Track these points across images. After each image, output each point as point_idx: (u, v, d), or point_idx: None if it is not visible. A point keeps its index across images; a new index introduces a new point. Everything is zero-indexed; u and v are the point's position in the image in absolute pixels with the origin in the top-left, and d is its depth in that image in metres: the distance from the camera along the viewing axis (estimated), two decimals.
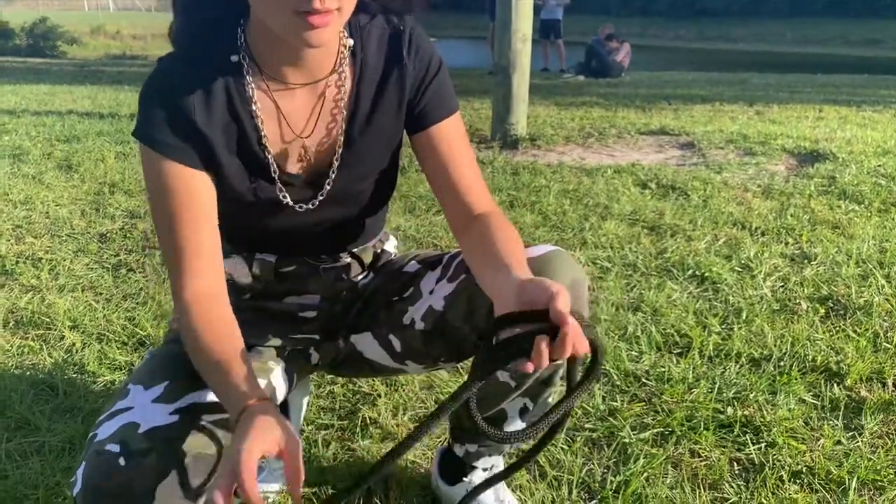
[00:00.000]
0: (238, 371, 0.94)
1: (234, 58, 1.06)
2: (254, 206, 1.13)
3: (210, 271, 1.05)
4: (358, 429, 1.75)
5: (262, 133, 1.09)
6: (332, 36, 0.96)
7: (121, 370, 2.00)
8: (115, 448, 0.90)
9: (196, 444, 0.95)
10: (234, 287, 1.24)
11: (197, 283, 1.04)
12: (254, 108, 1.07)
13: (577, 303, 1.13)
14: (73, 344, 2.13)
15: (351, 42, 1.11)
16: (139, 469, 0.89)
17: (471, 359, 1.24)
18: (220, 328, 1.01)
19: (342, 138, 1.13)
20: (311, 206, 1.15)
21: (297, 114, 1.11)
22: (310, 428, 1.75)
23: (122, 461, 0.89)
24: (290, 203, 1.14)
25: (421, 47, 1.15)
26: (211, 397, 1.01)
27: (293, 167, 1.14)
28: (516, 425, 1.28)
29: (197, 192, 1.06)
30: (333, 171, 1.14)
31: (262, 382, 1.16)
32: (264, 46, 1.05)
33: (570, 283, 1.09)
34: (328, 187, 1.15)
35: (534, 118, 5.98)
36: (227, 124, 1.07)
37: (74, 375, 1.97)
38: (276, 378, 1.22)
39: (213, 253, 1.06)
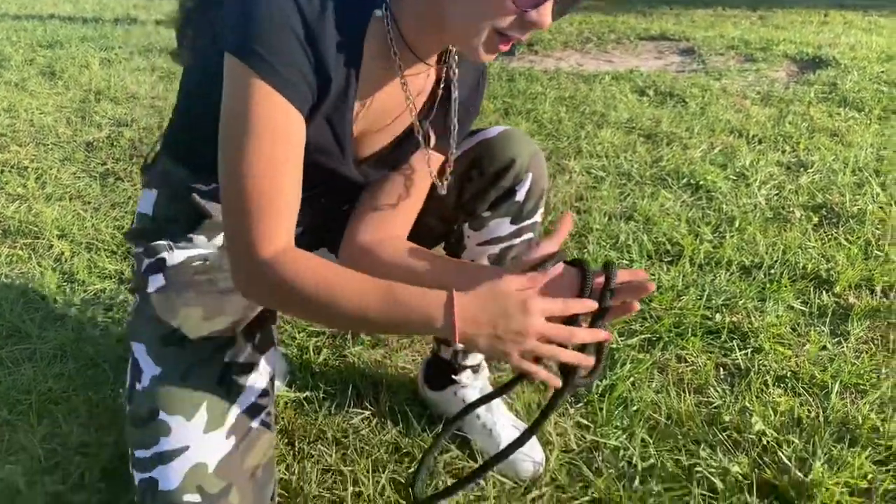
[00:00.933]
0: (399, 286, 0.90)
1: (378, 12, 0.95)
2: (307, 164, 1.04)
3: (291, 231, 0.94)
4: (349, 335, 1.76)
5: (367, 103, 1.02)
6: None
7: (110, 279, 1.99)
8: (195, 498, 0.93)
9: (257, 455, 1.01)
10: (207, 228, 1.14)
11: (285, 237, 0.92)
12: (393, 73, 1.00)
13: (539, 174, 1.25)
14: (62, 253, 2.12)
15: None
16: None
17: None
18: (334, 268, 0.93)
19: (419, 133, 1.10)
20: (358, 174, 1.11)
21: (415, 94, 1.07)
22: (301, 335, 1.76)
23: None
24: (343, 174, 1.08)
25: (485, 87, 1.20)
26: (247, 397, 1.03)
27: (379, 144, 1.11)
28: None
29: (300, 140, 0.93)
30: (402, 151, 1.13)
31: (264, 373, 1.11)
32: (410, 16, 0.96)
33: (531, 157, 1.22)
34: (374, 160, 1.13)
35: None
36: (341, 81, 0.95)
37: (64, 284, 1.97)
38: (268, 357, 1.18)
39: (295, 212, 0.95)
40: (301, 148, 0.93)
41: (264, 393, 1.07)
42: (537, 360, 0.92)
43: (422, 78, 1.07)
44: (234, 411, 1.01)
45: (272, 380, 1.11)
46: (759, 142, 3.12)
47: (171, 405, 0.98)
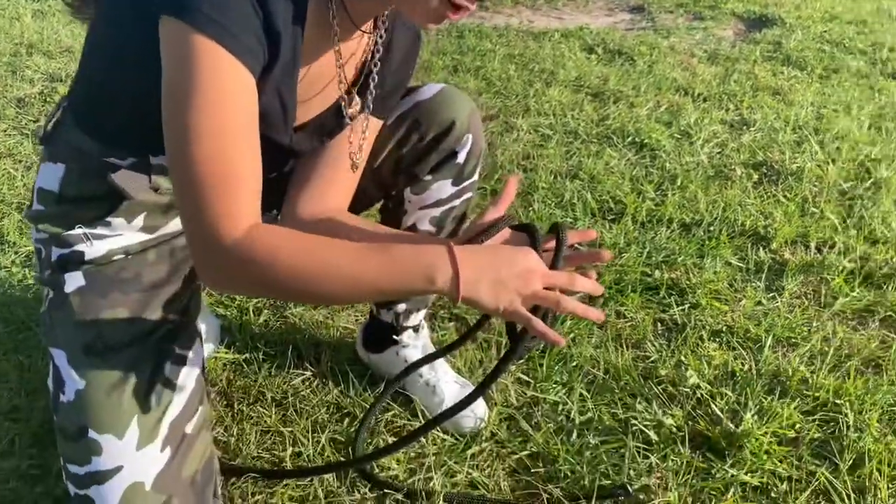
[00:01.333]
0: (393, 245, 0.87)
1: None
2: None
3: (256, 206, 0.84)
4: None
5: (305, 70, 0.97)
6: None
7: None
8: None
9: (195, 460, 0.98)
10: (126, 210, 1.03)
11: (250, 214, 0.83)
12: (331, 39, 0.95)
13: (478, 134, 1.25)
14: None
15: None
16: None
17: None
18: (315, 239, 0.85)
19: (358, 102, 1.08)
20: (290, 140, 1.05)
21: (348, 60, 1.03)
22: (241, 296, 1.74)
23: None
24: (280, 142, 1.02)
25: (418, 52, 1.16)
26: (179, 402, 0.99)
27: (311, 111, 1.06)
28: None
29: (254, 105, 0.84)
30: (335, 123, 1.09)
31: (196, 363, 1.06)
32: None
33: (470, 116, 1.21)
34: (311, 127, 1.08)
35: None
36: (288, 43, 0.88)
37: None
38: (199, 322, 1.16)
39: (258, 185, 0.85)
40: (256, 114, 0.85)
41: (197, 388, 1.03)
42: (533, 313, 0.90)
43: (354, 43, 1.03)
44: (167, 420, 0.97)
45: (203, 370, 1.07)
46: (704, 100, 3.15)
47: (100, 423, 0.93)
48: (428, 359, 1.27)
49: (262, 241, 0.80)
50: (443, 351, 1.26)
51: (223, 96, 0.79)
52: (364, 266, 0.83)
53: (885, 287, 1.84)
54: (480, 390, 0.97)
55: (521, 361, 1.55)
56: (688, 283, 1.82)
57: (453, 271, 0.84)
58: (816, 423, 1.42)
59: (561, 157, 2.53)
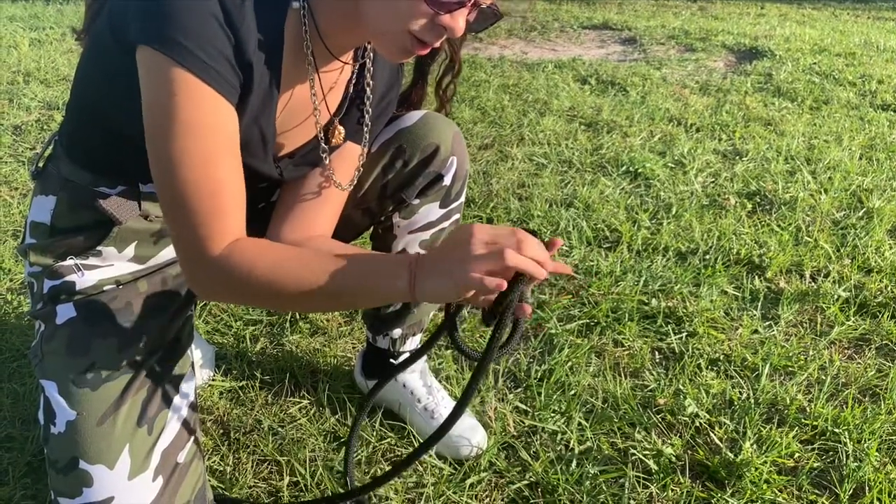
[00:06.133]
0: (360, 255, 0.90)
1: (296, 4, 0.91)
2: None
3: (241, 223, 0.89)
4: (287, 324, 1.73)
5: (285, 99, 0.98)
6: None
7: None
8: None
9: (187, 491, 0.98)
10: (117, 238, 1.04)
11: (236, 232, 0.88)
12: (308, 69, 0.96)
13: (462, 156, 1.27)
14: None
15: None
16: None
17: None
18: (288, 249, 0.92)
19: (341, 131, 1.09)
20: (278, 171, 1.06)
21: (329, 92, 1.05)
22: (238, 324, 1.73)
23: None
24: (265, 172, 1.03)
25: (400, 82, 1.18)
26: (170, 431, 0.99)
27: (296, 141, 1.07)
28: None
29: (234, 129, 0.87)
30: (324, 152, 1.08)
31: (188, 391, 1.06)
32: (327, 10, 0.93)
33: (453, 139, 1.23)
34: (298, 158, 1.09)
35: None
36: (263, 72, 0.90)
37: None
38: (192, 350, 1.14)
39: (242, 203, 0.89)
40: (236, 137, 0.87)
41: (189, 417, 1.03)
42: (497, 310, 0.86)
43: (334, 74, 1.04)
44: (159, 449, 0.97)
45: (195, 398, 1.07)
46: (697, 130, 3.19)
47: (91, 454, 0.92)
48: (406, 363, 1.20)
49: (241, 255, 0.86)
50: (421, 350, 1.17)
51: (203, 123, 0.82)
52: (335, 268, 0.86)
53: (880, 316, 1.85)
54: (461, 407, 0.92)
55: (519, 390, 1.54)
56: (684, 311, 1.82)
57: (409, 274, 0.85)
58: (815, 452, 1.41)
59: (556, 186, 2.54)
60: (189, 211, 0.83)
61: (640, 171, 2.67)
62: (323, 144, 1.06)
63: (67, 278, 1.02)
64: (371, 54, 1.07)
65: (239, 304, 1.02)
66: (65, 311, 1.01)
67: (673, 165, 2.77)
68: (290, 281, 0.86)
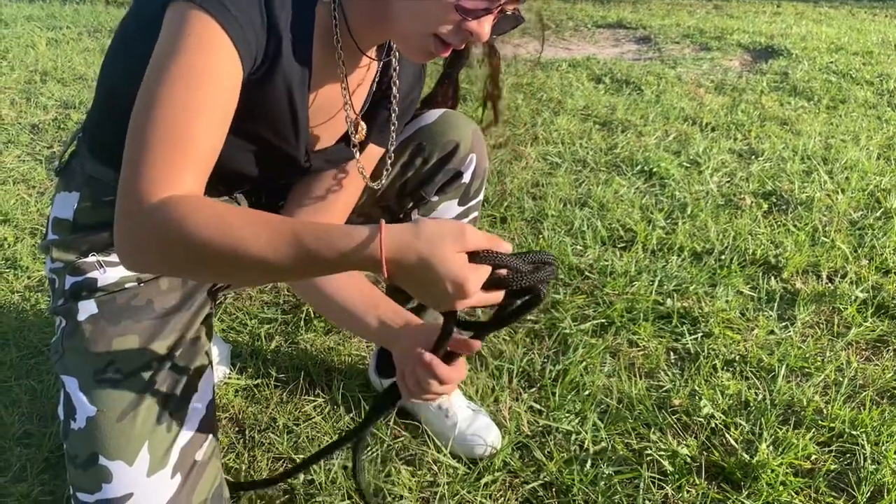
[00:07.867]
0: (316, 226, 0.76)
1: None
2: (259, 151, 1.01)
3: (197, 184, 0.78)
4: (302, 322, 1.74)
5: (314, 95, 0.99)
6: None
7: None
8: None
9: (204, 489, 0.98)
10: None
11: (191, 188, 0.77)
12: (339, 63, 0.96)
13: (482, 154, 1.27)
14: (6, 238, 2.05)
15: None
16: None
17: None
18: (233, 206, 0.81)
19: (363, 128, 1.09)
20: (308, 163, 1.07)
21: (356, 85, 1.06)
22: (253, 322, 1.74)
23: None
24: (293, 156, 1.04)
25: (424, 80, 1.19)
26: (189, 428, 0.99)
27: (325, 138, 1.08)
28: None
29: (233, 90, 0.82)
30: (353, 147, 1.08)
31: (206, 391, 1.05)
32: (358, 6, 0.94)
33: (472, 137, 1.24)
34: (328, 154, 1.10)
35: None
36: (292, 53, 0.90)
37: (7, 270, 1.91)
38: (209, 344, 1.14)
39: (206, 167, 0.80)
40: (232, 100, 0.82)
41: (207, 415, 1.03)
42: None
43: (362, 71, 1.05)
44: (178, 446, 0.97)
45: (212, 402, 1.07)
46: (712, 129, 3.17)
47: (111, 449, 0.93)
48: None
49: (175, 207, 0.73)
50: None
51: (203, 72, 0.78)
52: (282, 227, 0.74)
53: None
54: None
55: (533, 390, 1.54)
56: (700, 311, 1.81)
57: (377, 243, 0.74)
58: (833, 454, 1.40)
59: (570, 185, 2.53)
60: (150, 148, 0.75)
61: (654, 170, 2.66)
62: (353, 139, 1.06)
63: (89, 275, 1.02)
64: (396, 53, 1.07)
65: (168, 268, 0.80)
66: (86, 308, 1.01)
67: (688, 165, 2.75)
68: (232, 245, 0.73)
